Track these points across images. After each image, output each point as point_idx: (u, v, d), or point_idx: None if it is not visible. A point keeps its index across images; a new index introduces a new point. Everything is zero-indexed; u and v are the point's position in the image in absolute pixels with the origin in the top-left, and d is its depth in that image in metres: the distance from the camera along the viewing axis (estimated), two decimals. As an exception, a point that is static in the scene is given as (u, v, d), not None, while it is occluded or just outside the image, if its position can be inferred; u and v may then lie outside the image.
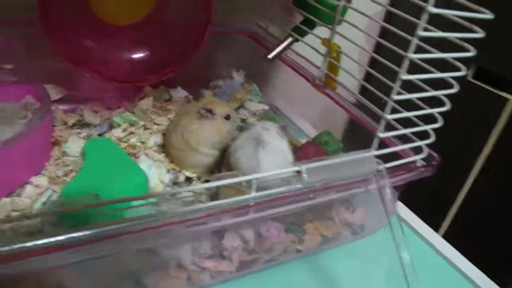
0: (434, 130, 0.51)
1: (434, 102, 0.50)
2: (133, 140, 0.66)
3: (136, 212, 0.38)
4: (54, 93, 0.71)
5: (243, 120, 0.77)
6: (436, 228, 0.90)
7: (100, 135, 0.68)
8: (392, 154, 0.52)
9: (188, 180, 0.66)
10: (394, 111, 0.48)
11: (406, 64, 0.44)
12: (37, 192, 0.55)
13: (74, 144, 0.63)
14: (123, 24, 0.70)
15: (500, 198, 0.98)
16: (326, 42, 0.67)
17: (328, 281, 0.56)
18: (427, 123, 0.51)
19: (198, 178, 0.66)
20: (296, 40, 0.73)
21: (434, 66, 0.48)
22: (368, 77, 1.15)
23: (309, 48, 0.69)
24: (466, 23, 0.42)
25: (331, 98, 0.68)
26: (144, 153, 0.65)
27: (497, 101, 0.90)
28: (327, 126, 0.83)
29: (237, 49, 0.87)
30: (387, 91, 0.52)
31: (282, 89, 0.90)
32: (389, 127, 0.50)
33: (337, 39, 0.66)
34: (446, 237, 0.69)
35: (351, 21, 0.62)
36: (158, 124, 0.70)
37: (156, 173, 0.62)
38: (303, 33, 0.72)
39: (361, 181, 0.48)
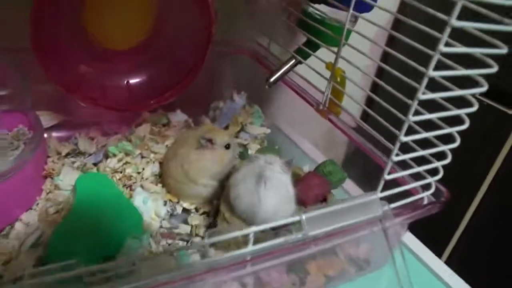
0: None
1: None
2: (129, 170, 0.64)
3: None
4: (49, 119, 0.69)
5: (244, 146, 0.74)
6: (438, 253, 0.87)
7: (95, 164, 0.66)
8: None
9: (186, 211, 0.63)
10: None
11: (425, 82, 0.40)
12: (26, 231, 0.53)
13: (67, 177, 0.61)
14: (120, 48, 0.68)
15: (504, 223, 0.95)
16: (331, 66, 0.64)
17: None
18: (434, 155, 0.48)
19: (196, 209, 0.63)
20: (299, 62, 0.70)
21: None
22: (371, 102, 1.12)
23: (312, 70, 0.67)
24: (487, 37, 0.39)
25: (335, 124, 0.65)
26: (140, 185, 0.62)
27: (506, 121, 0.87)
28: (329, 148, 0.81)
29: (238, 69, 0.84)
30: (390, 117, 0.50)
31: (284, 110, 0.87)
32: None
33: (341, 61, 0.63)
34: (448, 262, 0.66)
35: (354, 41, 0.60)
36: (155, 153, 0.68)
37: (152, 206, 0.60)
38: (306, 55, 0.70)
39: (365, 225, 0.45)
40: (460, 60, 0.42)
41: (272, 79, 0.71)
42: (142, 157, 0.67)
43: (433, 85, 0.43)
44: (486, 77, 0.42)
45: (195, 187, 0.61)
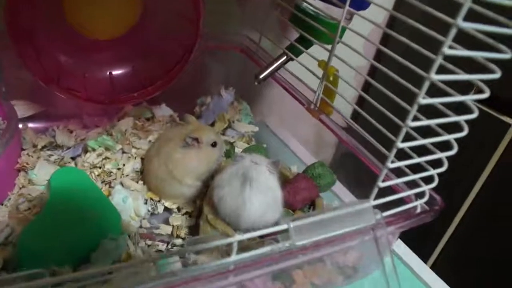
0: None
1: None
2: (108, 166, 0.61)
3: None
4: (25, 110, 0.66)
5: (230, 144, 0.71)
6: (425, 258, 0.85)
7: (73, 158, 0.63)
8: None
9: (167, 210, 0.60)
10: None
11: (426, 86, 0.38)
12: (-4, 229, 0.49)
13: (42, 171, 0.57)
14: (103, 38, 0.64)
15: (492, 229, 0.94)
16: (323, 64, 0.61)
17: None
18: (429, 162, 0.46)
19: (178, 209, 0.61)
20: (291, 59, 0.68)
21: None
22: (362, 102, 1.11)
23: (304, 68, 0.64)
24: (490, 41, 0.36)
25: (326, 125, 0.63)
26: (120, 182, 0.59)
27: (498, 126, 0.86)
28: (318, 148, 0.79)
29: (227, 64, 0.81)
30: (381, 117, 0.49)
31: (273, 108, 0.84)
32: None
33: (333, 60, 0.61)
34: (434, 267, 0.65)
35: (347, 39, 0.57)
36: (137, 148, 0.64)
37: (132, 205, 0.57)
38: (298, 52, 0.67)
39: (357, 234, 0.43)
40: (456, 63, 0.40)
41: (261, 76, 0.68)
42: (123, 152, 0.64)
43: (429, 89, 0.41)
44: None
45: (178, 187, 0.58)
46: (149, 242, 0.54)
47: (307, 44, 0.66)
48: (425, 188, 0.48)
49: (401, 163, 0.42)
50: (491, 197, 0.90)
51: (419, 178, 0.47)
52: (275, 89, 0.76)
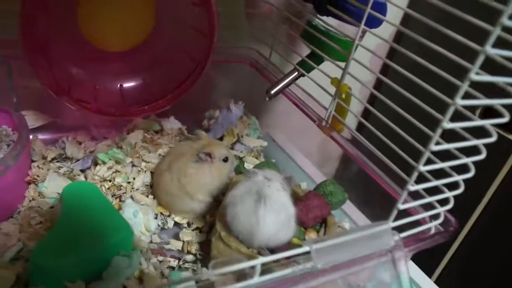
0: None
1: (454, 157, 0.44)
2: (118, 179, 0.60)
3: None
4: (34, 120, 0.65)
5: (240, 159, 0.71)
6: (429, 272, 0.85)
7: (82, 170, 0.62)
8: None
9: (177, 225, 0.60)
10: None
11: (450, 111, 0.38)
12: (6, 243, 0.48)
13: (52, 184, 0.57)
14: (115, 50, 0.64)
15: (497, 245, 0.94)
16: (336, 82, 0.61)
17: None
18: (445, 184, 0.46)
19: (188, 224, 0.60)
20: (302, 75, 0.68)
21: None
22: (367, 115, 1.11)
23: (314, 83, 0.64)
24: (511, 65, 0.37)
25: (338, 143, 0.63)
26: (130, 196, 0.59)
27: (503, 145, 0.86)
28: (323, 162, 0.79)
29: (236, 78, 0.81)
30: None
31: (281, 123, 0.84)
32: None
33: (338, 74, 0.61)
34: (438, 282, 0.65)
35: (356, 55, 0.58)
36: (147, 162, 0.64)
37: (142, 220, 0.56)
38: (309, 68, 0.67)
39: (376, 255, 0.43)
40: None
41: (273, 91, 0.68)
42: (133, 165, 0.63)
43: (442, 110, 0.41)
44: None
45: (189, 202, 0.58)
46: (160, 258, 0.53)
47: (318, 60, 0.67)
48: (441, 210, 0.48)
49: (421, 186, 0.42)
50: (496, 215, 0.91)
51: (434, 200, 0.47)
52: (283, 104, 0.76)
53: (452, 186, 0.46)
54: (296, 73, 0.68)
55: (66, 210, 0.49)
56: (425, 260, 0.69)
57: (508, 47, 0.35)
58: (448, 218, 0.50)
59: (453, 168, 0.45)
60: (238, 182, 0.54)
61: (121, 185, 0.60)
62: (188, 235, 0.58)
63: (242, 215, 0.50)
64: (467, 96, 0.38)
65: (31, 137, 0.63)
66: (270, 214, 0.49)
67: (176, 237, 0.58)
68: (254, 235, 0.49)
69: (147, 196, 0.60)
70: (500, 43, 0.35)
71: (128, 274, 0.47)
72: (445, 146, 0.40)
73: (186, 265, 0.54)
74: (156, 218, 0.59)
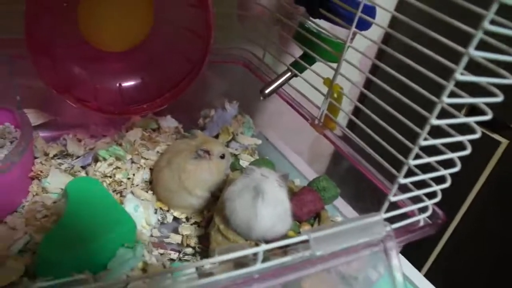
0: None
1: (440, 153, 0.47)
2: (119, 175, 0.62)
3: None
4: (35, 118, 0.67)
5: (235, 156, 0.73)
6: (419, 266, 0.88)
7: (83, 167, 0.64)
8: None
9: (176, 220, 0.62)
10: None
11: (437, 109, 0.41)
12: (13, 236, 0.50)
13: (55, 179, 0.59)
14: (114, 50, 0.66)
15: (485, 238, 0.98)
16: (328, 82, 0.64)
17: None
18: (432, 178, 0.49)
19: (187, 219, 0.62)
20: (295, 75, 0.70)
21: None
22: (358, 112, 1.15)
23: (306, 83, 0.67)
24: (492, 66, 0.39)
25: (330, 140, 0.65)
26: (130, 192, 0.61)
27: (488, 144, 0.90)
28: (313, 159, 0.81)
29: (231, 78, 0.83)
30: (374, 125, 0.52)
31: (274, 122, 0.87)
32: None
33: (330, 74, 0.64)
34: (428, 275, 0.68)
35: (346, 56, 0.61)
36: (146, 159, 0.66)
37: (143, 214, 0.58)
38: (301, 69, 0.70)
39: (368, 245, 0.45)
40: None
41: (267, 91, 0.70)
42: (133, 162, 0.65)
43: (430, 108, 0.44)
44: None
45: (188, 197, 0.60)
46: (161, 251, 0.55)
47: (311, 61, 0.69)
48: (429, 203, 0.51)
49: (411, 179, 0.45)
50: (481, 211, 0.94)
51: (422, 194, 0.50)
52: (276, 104, 0.78)
53: (440, 180, 0.49)
54: (289, 73, 0.70)
55: (71, 204, 0.51)
56: (413, 254, 0.72)
57: (489, 49, 0.38)
58: (436, 211, 0.53)
59: (440, 163, 0.48)
60: (235, 179, 0.56)
61: (122, 181, 0.62)
62: (187, 229, 0.60)
63: (241, 209, 0.52)
64: (452, 95, 0.41)
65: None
66: (267, 208, 0.52)
67: (175, 231, 0.60)
68: (252, 228, 0.51)
69: (147, 192, 0.62)
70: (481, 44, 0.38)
71: (132, 265, 0.49)
72: (433, 141, 0.43)
73: (186, 257, 0.56)
74: (155, 213, 0.61)
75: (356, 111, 1.14)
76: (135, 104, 0.67)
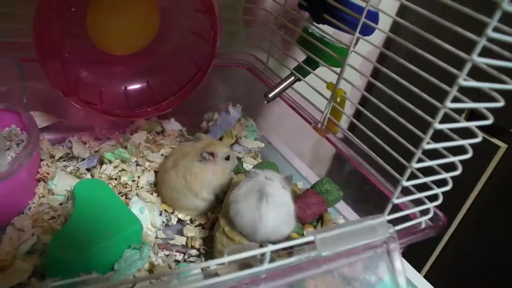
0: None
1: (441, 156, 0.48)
2: (124, 178, 0.63)
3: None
4: (41, 120, 0.67)
5: (239, 159, 0.74)
6: (418, 267, 0.89)
7: (88, 169, 0.65)
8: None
9: (180, 222, 0.63)
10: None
11: (441, 114, 0.42)
12: (20, 237, 0.51)
13: (61, 181, 0.59)
14: (121, 54, 0.66)
15: (484, 240, 0.98)
16: (331, 86, 0.65)
17: None
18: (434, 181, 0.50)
19: (191, 221, 0.63)
20: (298, 79, 0.71)
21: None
22: (358, 115, 1.16)
23: (310, 87, 0.68)
24: (494, 72, 0.40)
25: (333, 144, 0.66)
26: (136, 194, 0.61)
27: (487, 148, 0.91)
28: (314, 162, 0.82)
29: (234, 82, 0.84)
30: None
31: (276, 125, 0.88)
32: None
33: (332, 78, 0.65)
34: (427, 277, 0.68)
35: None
36: (150, 161, 0.67)
37: (148, 216, 0.59)
38: (305, 73, 0.71)
39: (372, 246, 0.46)
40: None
41: (271, 95, 0.71)
42: (138, 165, 0.66)
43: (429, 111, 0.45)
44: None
45: (194, 199, 0.61)
46: (166, 252, 0.56)
47: (314, 66, 0.70)
48: (430, 205, 0.51)
49: (414, 182, 0.46)
50: (479, 214, 0.95)
51: (424, 196, 0.51)
52: (278, 107, 0.79)
53: (441, 183, 0.50)
54: (293, 77, 0.71)
55: (79, 206, 0.52)
56: (413, 256, 0.73)
57: (490, 55, 0.39)
58: (437, 214, 0.54)
59: (441, 166, 0.49)
60: (240, 182, 0.57)
61: (127, 183, 0.63)
62: (191, 231, 0.60)
63: (246, 212, 0.53)
64: (454, 100, 0.42)
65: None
66: (272, 210, 0.52)
67: (180, 233, 0.60)
68: (257, 229, 0.52)
69: (152, 194, 0.63)
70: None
71: (139, 266, 0.50)
72: (436, 145, 0.44)
73: (191, 258, 0.57)
74: (160, 215, 0.61)
75: (357, 115, 1.15)
76: (140, 107, 0.68)
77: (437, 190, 0.50)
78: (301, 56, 0.72)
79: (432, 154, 0.46)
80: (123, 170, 0.64)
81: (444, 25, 0.42)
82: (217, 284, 0.37)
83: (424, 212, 0.53)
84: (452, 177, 0.48)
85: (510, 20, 0.38)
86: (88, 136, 0.71)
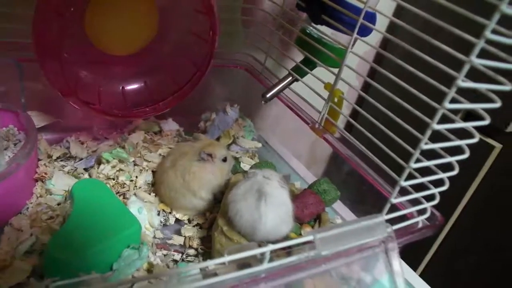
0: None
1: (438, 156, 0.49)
2: (122, 177, 0.63)
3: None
4: (39, 120, 0.67)
5: (236, 159, 0.74)
6: (414, 266, 0.90)
7: (86, 169, 0.65)
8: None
9: (178, 222, 0.63)
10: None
11: (439, 114, 0.42)
12: (19, 237, 0.51)
13: (59, 181, 0.59)
14: (119, 54, 0.66)
15: (479, 240, 0.99)
16: (329, 86, 0.65)
17: None
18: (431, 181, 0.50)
19: (189, 221, 0.63)
20: (296, 80, 0.72)
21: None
22: (355, 115, 1.16)
23: (307, 87, 0.68)
24: (491, 73, 0.40)
25: (330, 144, 0.66)
26: (133, 194, 0.61)
27: (483, 148, 0.92)
28: (311, 162, 0.82)
29: (232, 82, 0.85)
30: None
31: (273, 125, 0.88)
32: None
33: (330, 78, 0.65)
34: (423, 276, 0.69)
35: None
36: (148, 161, 0.67)
37: (146, 216, 0.59)
38: (303, 73, 0.71)
39: (370, 246, 0.46)
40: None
41: (269, 95, 0.71)
42: (135, 165, 0.66)
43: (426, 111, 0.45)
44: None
45: (192, 199, 0.61)
46: (164, 252, 0.56)
47: (312, 66, 0.70)
48: (427, 205, 0.52)
49: (412, 182, 0.46)
50: (475, 214, 0.96)
51: (421, 196, 0.52)
52: (276, 108, 0.79)
53: (437, 183, 0.50)
54: (290, 78, 0.72)
55: (77, 206, 0.52)
56: (409, 256, 0.73)
57: (487, 56, 0.39)
58: (434, 213, 0.54)
59: (438, 166, 0.49)
60: (238, 182, 0.57)
61: (125, 183, 0.63)
62: (189, 230, 0.60)
63: (244, 212, 0.53)
64: (452, 100, 0.43)
65: (36, 136, 0.65)
66: (271, 209, 0.52)
67: (178, 232, 0.61)
68: (257, 229, 0.52)
69: (149, 194, 0.63)
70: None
71: (138, 265, 0.50)
72: (434, 145, 0.44)
73: (189, 258, 0.57)
74: (158, 214, 0.61)
75: (354, 115, 1.16)
76: (138, 107, 0.68)
77: (434, 190, 0.50)
78: (299, 56, 0.72)
79: (429, 154, 0.47)
80: (121, 170, 0.64)
81: (441, 26, 0.43)
82: (217, 284, 0.37)
83: (421, 212, 0.53)
84: (448, 177, 0.49)
85: (507, 21, 0.38)
86: (86, 136, 0.71)
